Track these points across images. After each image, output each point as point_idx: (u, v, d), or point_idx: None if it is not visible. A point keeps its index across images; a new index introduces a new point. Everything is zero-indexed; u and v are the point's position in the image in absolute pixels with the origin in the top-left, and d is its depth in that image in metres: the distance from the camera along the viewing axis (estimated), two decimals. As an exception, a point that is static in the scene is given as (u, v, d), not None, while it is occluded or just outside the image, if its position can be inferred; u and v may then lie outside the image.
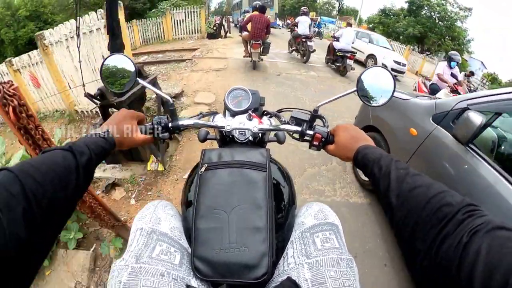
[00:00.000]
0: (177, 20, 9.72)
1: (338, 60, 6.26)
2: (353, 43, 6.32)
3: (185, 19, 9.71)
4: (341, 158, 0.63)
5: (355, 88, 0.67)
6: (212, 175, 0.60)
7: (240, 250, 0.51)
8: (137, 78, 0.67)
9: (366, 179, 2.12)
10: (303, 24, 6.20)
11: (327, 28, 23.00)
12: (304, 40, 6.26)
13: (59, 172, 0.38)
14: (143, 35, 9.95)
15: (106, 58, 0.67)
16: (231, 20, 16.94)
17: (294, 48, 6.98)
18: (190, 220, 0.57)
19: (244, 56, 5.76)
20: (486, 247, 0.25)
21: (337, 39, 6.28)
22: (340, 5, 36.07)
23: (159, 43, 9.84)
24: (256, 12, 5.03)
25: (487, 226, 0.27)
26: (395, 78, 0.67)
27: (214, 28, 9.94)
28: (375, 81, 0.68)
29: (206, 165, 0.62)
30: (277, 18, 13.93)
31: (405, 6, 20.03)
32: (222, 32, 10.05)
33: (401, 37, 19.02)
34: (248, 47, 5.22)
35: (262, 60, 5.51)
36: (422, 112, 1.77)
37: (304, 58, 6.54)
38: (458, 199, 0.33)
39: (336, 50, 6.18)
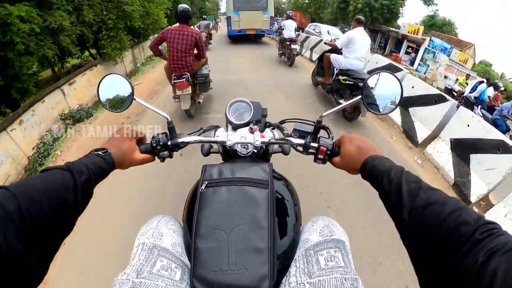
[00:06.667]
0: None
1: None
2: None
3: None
4: (348, 171, 0.60)
5: (360, 96, 0.64)
6: (212, 193, 0.59)
7: (240, 272, 0.50)
8: (134, 97, 0.67)
9: None
10: (289, 28, 5.95)
11: (435, 60, 11.55)
12: (288, 43, 5.95)
13: (57, 191, 0.39)
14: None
15: (102, 78, 0.66)
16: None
17: (281, 51, 6.72)
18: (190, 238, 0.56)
19: (175, 100, 3.14)
20: (503, 268, 0.25)
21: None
22: (433, 13, 20.37)
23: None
24: (175, 25, 2.84)
25: (505, 247, 0.27)
26: (401, 83, 0.64)
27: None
28: (381, 87, 0.66)
29: (207, 182, 0.61)
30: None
31: None
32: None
33: None
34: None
35: (200, 103, 3.34)
36: None
37: (289, 61, 6.22)
38: (475, 217, 0.32)
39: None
